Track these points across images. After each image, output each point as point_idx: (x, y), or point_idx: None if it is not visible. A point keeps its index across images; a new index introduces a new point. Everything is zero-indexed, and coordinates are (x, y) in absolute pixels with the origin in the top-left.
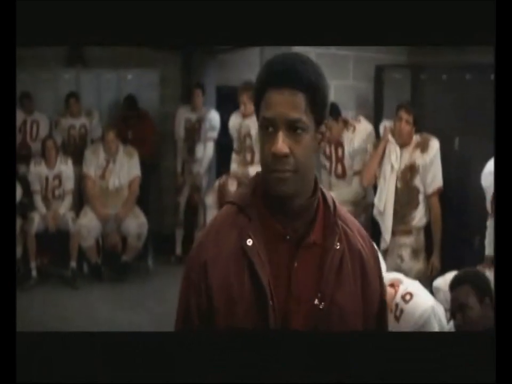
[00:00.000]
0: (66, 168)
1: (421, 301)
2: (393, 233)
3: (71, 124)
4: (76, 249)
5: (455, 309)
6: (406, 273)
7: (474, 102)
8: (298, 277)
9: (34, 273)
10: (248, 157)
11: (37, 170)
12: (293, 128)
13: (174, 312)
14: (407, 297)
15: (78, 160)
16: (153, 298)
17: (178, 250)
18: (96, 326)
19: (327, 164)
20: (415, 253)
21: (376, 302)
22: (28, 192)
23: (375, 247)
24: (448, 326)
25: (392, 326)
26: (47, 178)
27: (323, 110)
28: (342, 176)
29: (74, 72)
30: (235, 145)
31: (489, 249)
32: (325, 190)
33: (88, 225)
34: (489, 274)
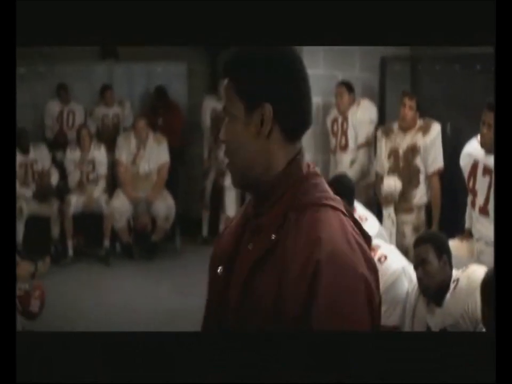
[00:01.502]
0: (99, 154)
1: (393, 262)
2: (396, 210)
3: (104, 113)
4: (109, 229)
5: (417, 263)
6: (409, 249)
7: (464, 91)
8: (240, 264)
9: (70, 251)
10: None
11: (72, 157)
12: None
13: (199, 288)
14: (382, 259)
15: (111, 147)
16: (180, 275)
17: (205, 231)
18: (126, 300)
19: (334, 141)
20: (416, 229)
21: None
22: (64, 176)
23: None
24: (415, 281)
25: None
26: (82, 164)
27: (254, 98)
28: (345, 147)
29: (107, 65)
30: None
31: (468, 222)
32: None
33: (120, 207)
34: (466, 244)
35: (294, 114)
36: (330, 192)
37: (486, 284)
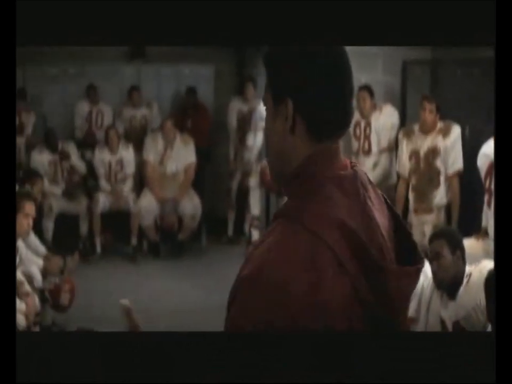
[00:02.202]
0: (127, 154)
1: None
2: (416, 211)
3: (132, 114)
4: (136, 228)
5: (432, 257)
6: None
7: (482, 94)
8: None
9: (98, 248)
10: None
11: (101, 156)
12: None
13: (223, 286)
14: None
15: (139, 147)
16: (205, 273)
17: (230, 231)
18: (152, 298)
19: (356, 144)
20: (436, 229)
21: None
22: (93, 175)
23: None
24: (430, 276)
25: None
26: (110, 163)
27: (279, 92)
28: (368, 152)
29: (136, 67)
30: None
31: (484, 221)
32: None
33: (147, 206)
34: (482, 242)
35: (318, 112)
36: (326, 207)
37: (488, 281)
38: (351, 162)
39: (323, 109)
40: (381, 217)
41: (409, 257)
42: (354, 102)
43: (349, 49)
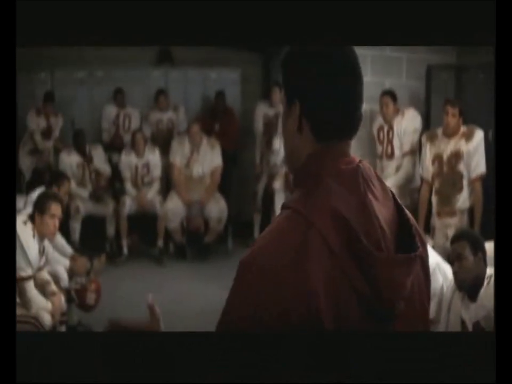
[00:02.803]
0: (154, 157)
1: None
2: (439, 214)
3: (159, 117)
4: (163, 230)
5: (454, 258)
6: None
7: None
8: None
9: (125, 250)
10: None
11: (127, 160)
12: None
13: None
14: None
15: (165, 150)
16: (231, 276)
17: (256, 233)
18: (178, 300)
19: (380, 148)
20: (458, 231)
21: None
22: (120, 178)
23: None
24: (450, 278)
25: None
26: (136, 167)
27: (290, 94)
28: (391, 155)
29: (163, 71)
30: None
31: None
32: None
33: (174, 208)
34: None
35: (321, 115)
36: (322, 197)
37: None
38: (360, 160)
39: (326, 112)
40: (383, 210)
41: (408, 248)
42: (377, 107)
43: (373, 54)
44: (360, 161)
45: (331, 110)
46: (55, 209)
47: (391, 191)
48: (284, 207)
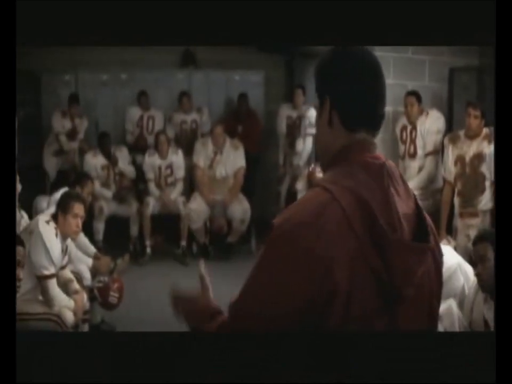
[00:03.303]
0: (177, 158)
1: (449, 258)
2: (462, 215)
3: (183, 119)
4: (186, 230)
5: (476, 260)
6: None
7: None
8: None
9: (148, 250)
10: None
11: (151, 161)
12: None
13: None
14: None
15: (189, 152)
16: None
17: None
18: None
19: (402, 147)
20: (480, 232)
21: None
22: (143, 179)
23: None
24: (473, 279)
25: None
26: (160, 168)
27: (321, 91)
28: (414, 155)
29: (186, 73)
30: None
31: None
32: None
33: (197, 209)
34: None
35: (349, 107)
36: (351, 179)
37: None
38: (386, 159)
39: (353, 104)
40: (403, 206)
41: (422, 242)
42: (399, 108)
43: (395, 56)
44: (386, 159)
45: (357, 103)
46: (78, 209)
47: (413, 193)
48: (313, 185)
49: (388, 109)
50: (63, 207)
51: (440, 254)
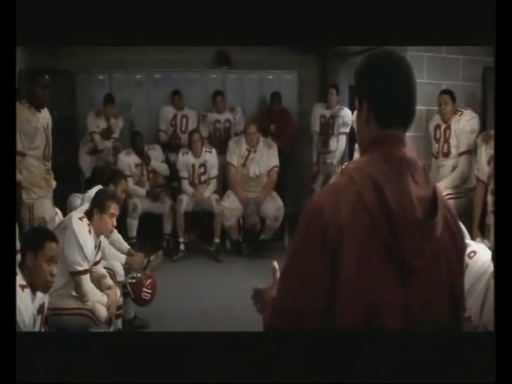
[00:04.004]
0: (211, 157)
1: (482, 255)
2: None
3: (216, 118)
4: (219, 228)
5: None
6: None
7: None
8: None
9: (182, 247)
10: None
11: (184, 159)
12: None
13: None
14: (471, 254)
15: (222, 150)
16: None
17: None
18: (235, 296)
19: (436, 146)
20: None
21: None
22: (177, 177)
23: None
24: None
25: None
26: (193, 166)
27: (359, 93)
28: (447, 154)
29: (220, 73)
30: None
31: None
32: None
33: (230, 207)
34: None
35: (383, 109)
36: (371, 166)
37: None
38: (410, 153)
39: (386, 106)
40: (418, 190)
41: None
42: (432, 107)
43: (428, 55)
44: (409, 153)
45: (390, 105)
46: (115, 209)
47: (434, 183)
48: (342, 171)
49: (421, 107)
50: (100, 206)
51: (462, 236)
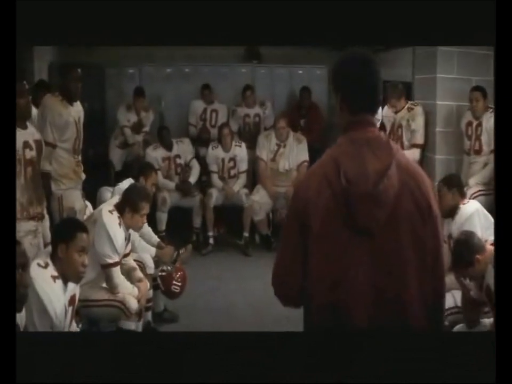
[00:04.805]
0: (240, 151)
1: (469, 206)
2: None
3: (246, 113)
4: (249, 222)
5: None
6: None
7: None
8: None
9: (211, 240)
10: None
11: (214, 153)
12: None
13: None
14: (465, 201)
15: (252, 145)
16: None
17: None
18: (265, 289)
19: (468, 143)
20: None
21: None
22: (206, 171)
23: None
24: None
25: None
26: (223, 160)
27: (334, 85)
28: (479, 151)
29: (250, 67)
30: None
31: None
32: None
33: (260, 201)
34: None
35: (352, 100)
36: (337, 149)
37: None
38: (378, 132)
39: (355, 97)
40: (377, 164)
41: None
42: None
43: (459, 51)
44: (377, 133)
45: (357, 96)
46: (147, 208)
47: (397, 155)
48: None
49: (451, 103)
50: (132, 205)
51: (427, 201)
